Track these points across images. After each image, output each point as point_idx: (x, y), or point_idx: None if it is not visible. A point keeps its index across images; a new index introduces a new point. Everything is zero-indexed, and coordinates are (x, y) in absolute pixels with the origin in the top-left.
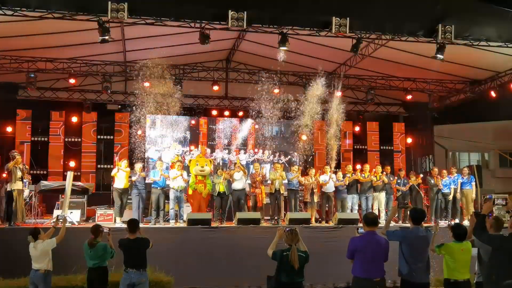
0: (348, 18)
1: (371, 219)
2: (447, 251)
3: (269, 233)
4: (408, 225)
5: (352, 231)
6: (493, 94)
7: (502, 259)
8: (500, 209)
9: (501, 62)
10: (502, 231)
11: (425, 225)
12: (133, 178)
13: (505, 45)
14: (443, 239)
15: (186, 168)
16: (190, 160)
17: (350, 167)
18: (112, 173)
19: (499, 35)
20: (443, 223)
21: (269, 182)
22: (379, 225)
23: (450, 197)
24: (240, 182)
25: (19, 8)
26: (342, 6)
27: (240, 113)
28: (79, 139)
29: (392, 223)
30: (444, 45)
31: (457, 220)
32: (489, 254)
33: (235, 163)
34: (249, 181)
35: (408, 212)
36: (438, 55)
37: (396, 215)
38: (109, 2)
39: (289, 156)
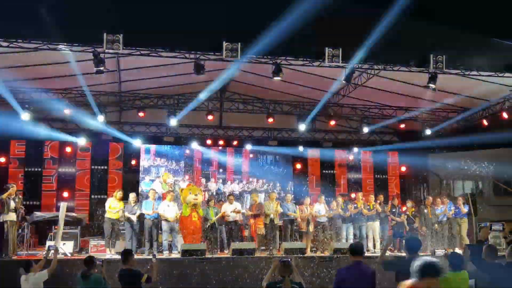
0: (340, 49)
1: (355, 249)
2: (444, 280)
3: (265, 264)
4: (404, 254)
5: (348, 261)
6: (485, 122)
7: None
8: (496, 237)
9: (493, 91)
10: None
11: (421, 254)
12: (127, 213)
13: (496, 75)
14: None
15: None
16: (181, 190)
17: (340, 199)
18: (106, 207)
19: (490, 65)
20: (439, 252)
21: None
22: (366, 254)
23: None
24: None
25: (14, 40)
26: (334, 37)
27: (235, 143)
28: (73, 169)
29: (388, 253)
30: (436, 75)
31: (456, 249)
32: (486, 285)
33: (228, 195)
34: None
35: (404, 242)
36: (431, 85)
37: (392, 244)
38: (105, 34)
39: (284, 185)
